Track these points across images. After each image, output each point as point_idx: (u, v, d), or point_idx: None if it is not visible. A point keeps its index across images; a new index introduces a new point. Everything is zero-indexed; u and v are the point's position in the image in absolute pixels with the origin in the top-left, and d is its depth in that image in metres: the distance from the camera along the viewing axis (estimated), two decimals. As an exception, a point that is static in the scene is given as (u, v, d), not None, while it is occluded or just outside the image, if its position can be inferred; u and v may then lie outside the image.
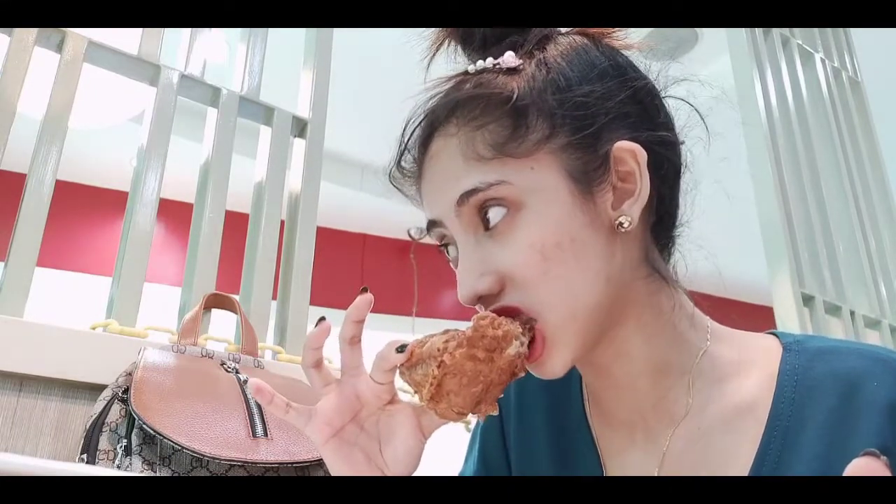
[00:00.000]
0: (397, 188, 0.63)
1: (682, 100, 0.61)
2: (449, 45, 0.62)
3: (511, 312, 0.54)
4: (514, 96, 0.55)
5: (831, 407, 0.53)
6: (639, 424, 0.60)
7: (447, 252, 0.60)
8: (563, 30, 0.61)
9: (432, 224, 0.59)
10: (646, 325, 0.58)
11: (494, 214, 0.54)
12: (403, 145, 0.60)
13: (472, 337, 0.51)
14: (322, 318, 0.53)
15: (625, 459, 0.61)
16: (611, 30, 0.61)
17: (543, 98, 0.55)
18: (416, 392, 0.54)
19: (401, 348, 0.52)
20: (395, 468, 0.55)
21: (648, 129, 0.57)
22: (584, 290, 0.54)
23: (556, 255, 0.53)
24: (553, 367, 0.55)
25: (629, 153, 0.55)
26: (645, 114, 0.58)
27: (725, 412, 0.57)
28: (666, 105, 0.61)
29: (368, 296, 0.53)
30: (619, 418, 0.62)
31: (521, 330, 0.52)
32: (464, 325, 0.53)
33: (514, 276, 0.54)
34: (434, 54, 0.62)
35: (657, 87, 0.60)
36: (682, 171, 0.60)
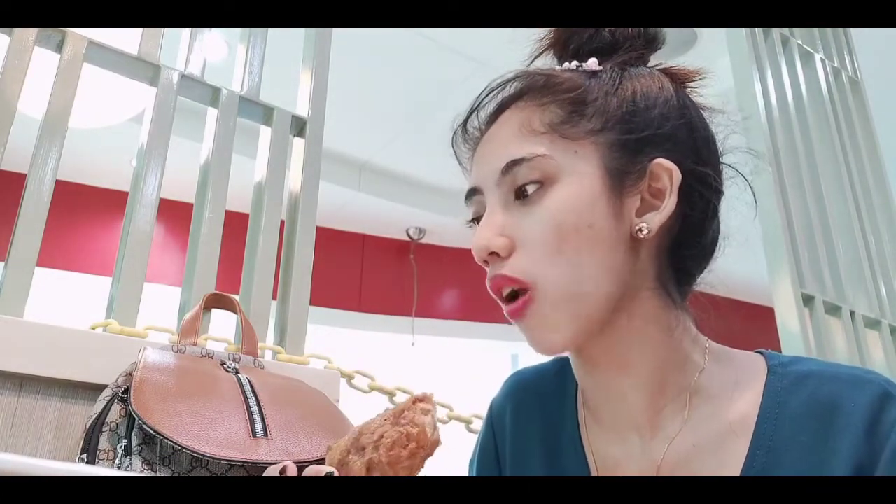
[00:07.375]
0: (455, 152, 0.66)
1: (733, 167, 0.64)
2: (547, 52, 0.67)
3: (509, 283, 0.56)
4: (581, 88, 0.59)
5: (813, 429, 0.54)
6: (635, 439, 0.61)
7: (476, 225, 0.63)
8: (651, 63, 0.65)
9: (472, 192, 0.62)
10: (649, 339, 0.59)
11: (530, 188, 0.57)
12: (474, 108, 0.64)
13: (392, 462, 0.52)
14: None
15: (619, 474, 0.62)
16: (694, 73, 0.64)
17: (607, 99, 0.59)
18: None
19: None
20: None
21: (693, 162, 0.60)
22: (589, 278, 0.55)
23: (572, 237, 0.55)
24: (544, 342, 0.57)
25: (666, 171, 0.58)
26: (694, 147, 0.60)
27: (718, 430, 0.58)
28: (721, 157, 0.63)
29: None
30: (615, 431, 0.62)
31: (429, 409, 0.53)
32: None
33: (526, 245, 0.56)
34: (535, 59, 0.67)
35: (719, 145, 0.63)
36: (713, 215, 0.62)
